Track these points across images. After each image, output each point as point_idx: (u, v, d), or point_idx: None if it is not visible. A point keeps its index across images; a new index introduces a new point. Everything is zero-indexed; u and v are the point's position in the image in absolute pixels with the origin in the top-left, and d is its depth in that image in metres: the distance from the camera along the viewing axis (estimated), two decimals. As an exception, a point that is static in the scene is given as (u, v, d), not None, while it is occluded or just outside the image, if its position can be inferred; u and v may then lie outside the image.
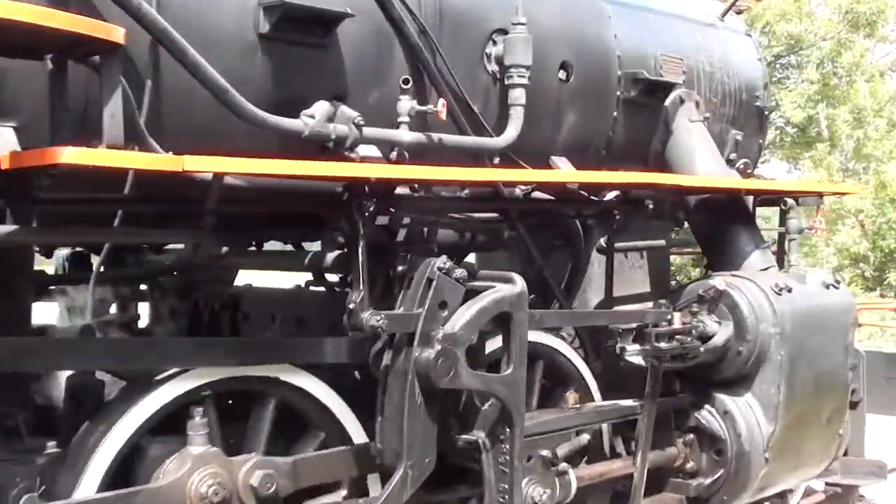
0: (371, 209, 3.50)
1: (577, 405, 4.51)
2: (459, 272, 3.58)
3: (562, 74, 4.80)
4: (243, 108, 3.41)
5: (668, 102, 5.41)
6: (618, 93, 5.13)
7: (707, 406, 4.79)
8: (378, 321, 3.38)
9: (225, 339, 4.54)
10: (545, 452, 4.02)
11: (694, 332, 4.57)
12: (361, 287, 3.45)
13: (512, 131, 4.39)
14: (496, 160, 4.45)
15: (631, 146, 5.31)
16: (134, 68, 3.26)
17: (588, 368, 4.69)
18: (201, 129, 3.51)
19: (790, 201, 5.68)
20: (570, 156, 4.93)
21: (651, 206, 5.14)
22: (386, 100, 4.03)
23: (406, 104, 4.00)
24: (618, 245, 5.32)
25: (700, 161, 5.34)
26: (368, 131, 3.85)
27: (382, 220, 3.82)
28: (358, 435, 3.76)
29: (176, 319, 5.09)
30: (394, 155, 4.06)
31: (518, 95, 4.40)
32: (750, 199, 5.38)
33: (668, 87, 5.35)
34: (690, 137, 5.41)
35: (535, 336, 4.27)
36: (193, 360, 3.38)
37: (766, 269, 5.17)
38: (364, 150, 3.87)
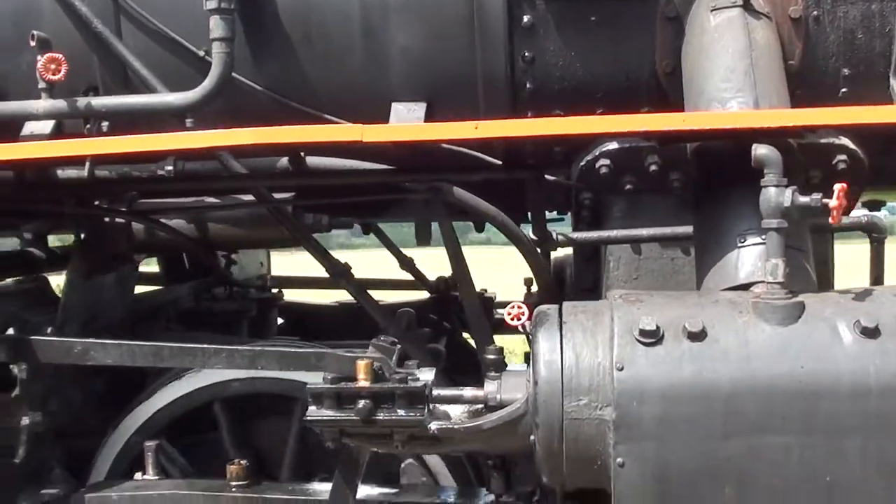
0: None
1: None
2: None
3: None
4: None
5: (669, -19, 3.05)
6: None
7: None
8: None
9: None
10: None
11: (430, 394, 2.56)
12: None
13: (207, 82, 3.04)
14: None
15: (591, 72, 3.13)
16: None
17: None
18: None
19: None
20: (443, 98, 3.17)
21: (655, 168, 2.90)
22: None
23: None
24: (578, 236, 3.14)
25: (702, 79, 2.87)
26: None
27: None
28: None
29: None
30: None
31: (216, 26, 3.03)
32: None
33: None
34: (702, 38, 2.94)
35: None
36: None
37: (746, 285, 2.54)
38: (32, 126, 3.21)
